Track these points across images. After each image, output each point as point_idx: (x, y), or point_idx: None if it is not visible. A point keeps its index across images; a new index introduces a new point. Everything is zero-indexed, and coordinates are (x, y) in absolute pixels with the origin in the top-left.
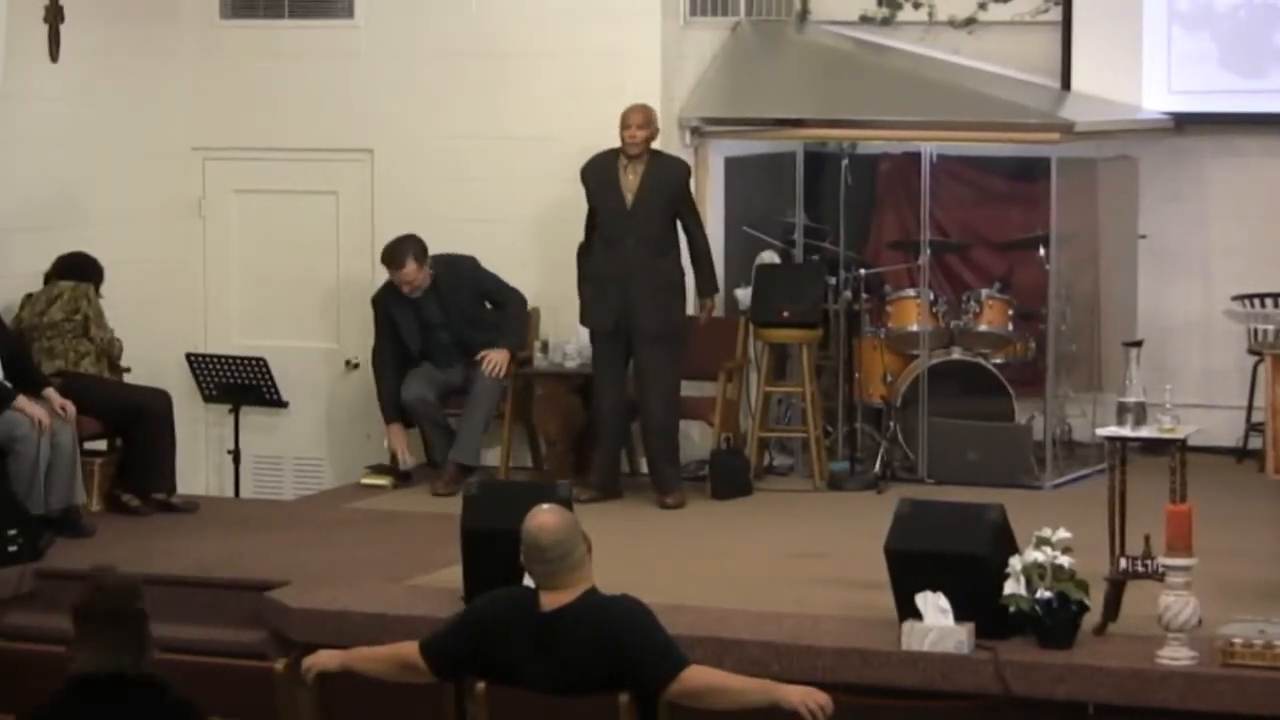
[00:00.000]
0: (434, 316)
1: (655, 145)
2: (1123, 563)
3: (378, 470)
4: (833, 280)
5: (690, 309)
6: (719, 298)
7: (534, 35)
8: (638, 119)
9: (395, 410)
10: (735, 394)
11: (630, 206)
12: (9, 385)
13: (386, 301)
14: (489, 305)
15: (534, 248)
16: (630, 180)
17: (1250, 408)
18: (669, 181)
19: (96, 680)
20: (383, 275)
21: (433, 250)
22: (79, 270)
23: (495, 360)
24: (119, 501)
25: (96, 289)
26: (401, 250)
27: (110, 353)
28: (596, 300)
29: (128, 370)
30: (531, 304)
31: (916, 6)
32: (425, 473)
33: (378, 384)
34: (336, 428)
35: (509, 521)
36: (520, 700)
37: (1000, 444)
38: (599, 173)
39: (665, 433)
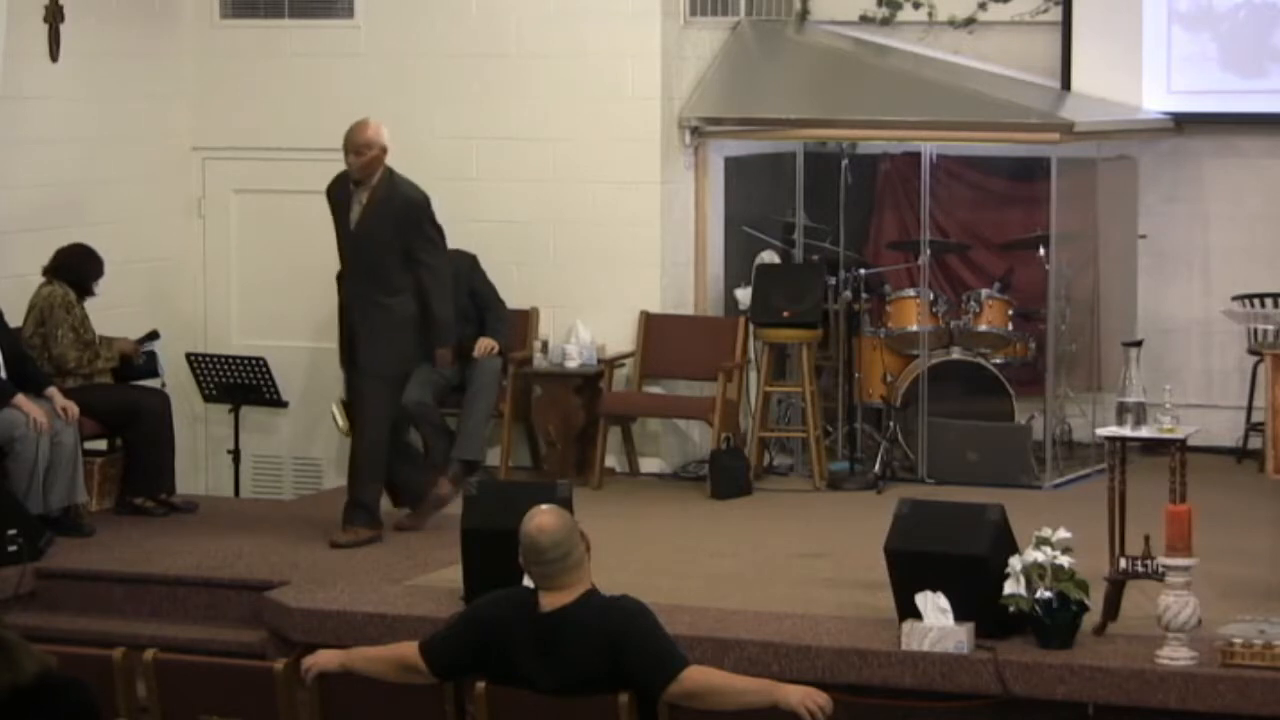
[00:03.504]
0: None
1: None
2: (1123, 563)
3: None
4: (833, 280)
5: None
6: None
7: (534, 35)
8: (354, 142)
9: None
10: (735, 394)
11: (353, 233)
12: (9, 384)
13: None
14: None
15: (533, 248)
16: (356, 206)
17: (1250, 408)
18: (397, 209)
19: None
20: None
21: None
22: (63, 271)
23: (491, 344)
24: (132, 505)
25: (81, 291)
26: None
27: (66, 369)
28: (340, 327)
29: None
30: (530, 304)
31: (916, 6)
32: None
33: None
34: (335, 428)
35: (509, 521)
36: (520, 700)
37: (1000, 444)
38: (336, 193)
39: (362, 472)
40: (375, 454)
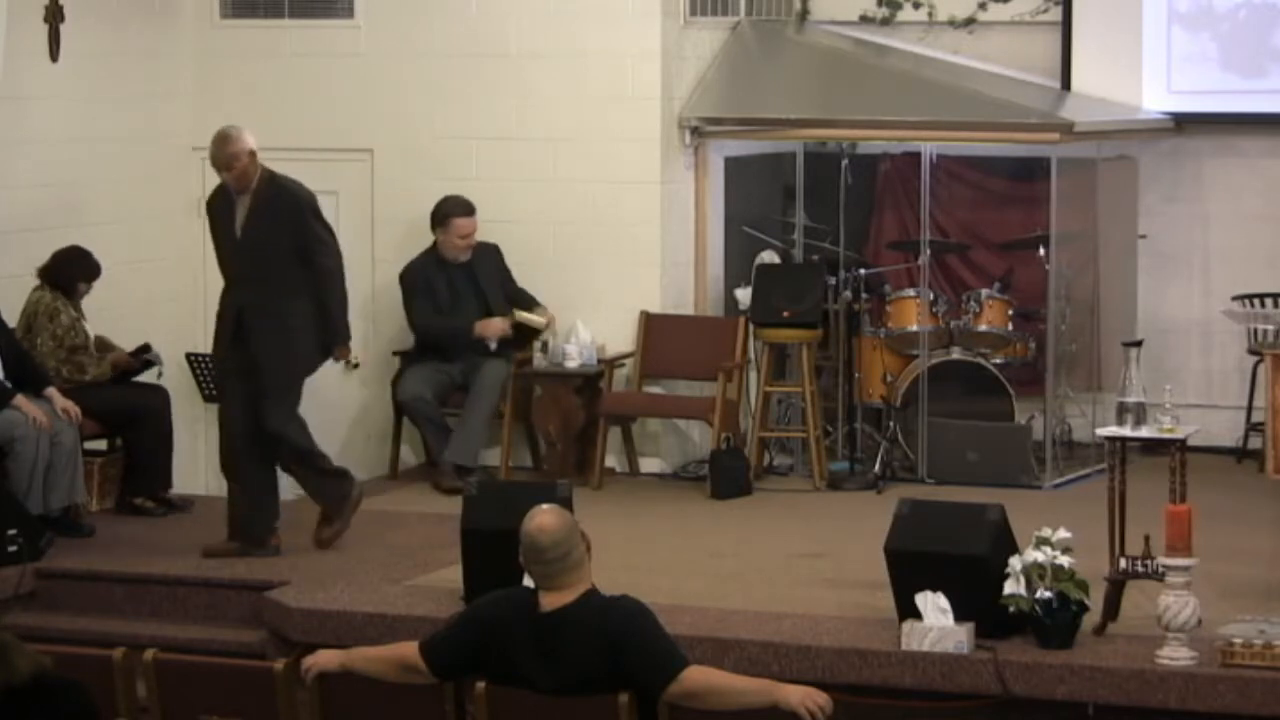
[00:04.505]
0: (467, 301)
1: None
2: (1123, 563)
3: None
4: (833, 280)
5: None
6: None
7: (534, 35)
8: (223, 158)
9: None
10: (735, 394)
11: (239, 240)
12: (8, 384)
13: (423, 272)
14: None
15: (533, 248)
16: (240, 212)
17: (1250, 408)
18: (283, 212)
19: None
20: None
21: None
22: (50, 273)
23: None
24: (132, 505)
25: (73, 292)
26: (469, 201)
27: (59, 373)
28: (219, 338)
29: None
30: None
31: (916, 6)
32: (425, 472)
33: (440, 329)
34: (336, 428)
35: (509, 521)
36: (520, 700)
37: (1000, 444)
38: (217, 205)
39: (302, 477)
40: (307, 455)
